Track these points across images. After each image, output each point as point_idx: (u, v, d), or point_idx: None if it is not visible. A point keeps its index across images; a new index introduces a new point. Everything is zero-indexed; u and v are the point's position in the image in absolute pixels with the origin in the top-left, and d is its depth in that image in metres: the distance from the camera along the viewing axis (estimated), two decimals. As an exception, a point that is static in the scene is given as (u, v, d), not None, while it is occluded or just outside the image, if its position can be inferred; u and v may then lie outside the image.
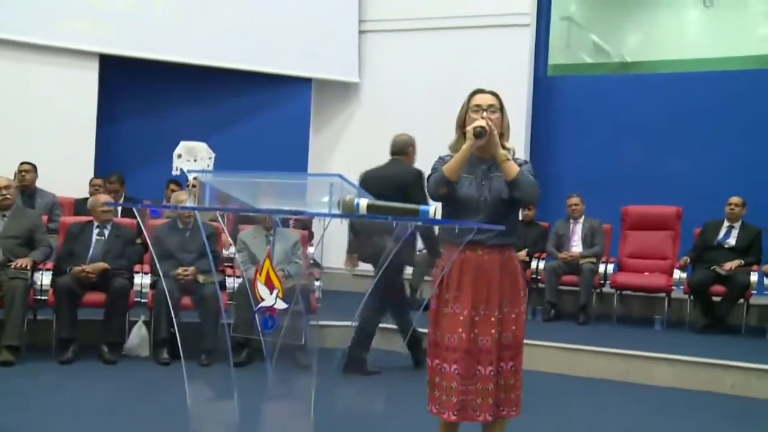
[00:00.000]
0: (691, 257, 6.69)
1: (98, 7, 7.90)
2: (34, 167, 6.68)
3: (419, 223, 1.93)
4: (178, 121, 8.57)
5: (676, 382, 5.10)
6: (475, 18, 8.34)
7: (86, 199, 6.96)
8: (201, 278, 5.23)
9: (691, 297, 6.50)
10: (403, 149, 5.20)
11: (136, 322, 5.25)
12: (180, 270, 5.21)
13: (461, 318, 2.64)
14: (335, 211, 1.83)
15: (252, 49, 8.37)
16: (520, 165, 2.68)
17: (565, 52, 10.18)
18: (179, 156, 3.38)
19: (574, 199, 7.07)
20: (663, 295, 6.76)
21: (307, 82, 8.73)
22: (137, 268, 5.31)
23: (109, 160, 8.08)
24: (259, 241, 5.58)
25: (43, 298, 5.07)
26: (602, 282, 6.94)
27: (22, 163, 6.65)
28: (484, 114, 2.66)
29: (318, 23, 8.73)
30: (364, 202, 1.83)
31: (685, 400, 4.80)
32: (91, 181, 7.44)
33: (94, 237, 5.32)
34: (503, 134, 2.73)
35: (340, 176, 1.87)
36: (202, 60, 8.26)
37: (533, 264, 7.11)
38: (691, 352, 5.30)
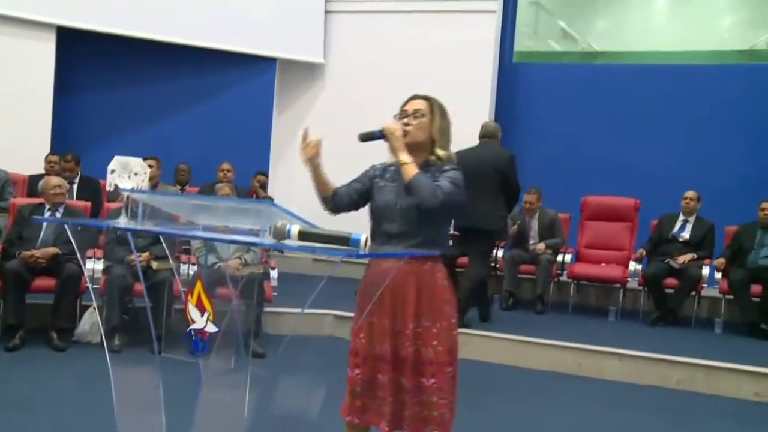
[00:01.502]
0: (646, 249, 6.78)
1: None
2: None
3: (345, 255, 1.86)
4: (138, 98, 8.44)
5: (626, 376, 5.18)
6: (442, 2, 8.29)
7: (42, 176, 6.81)
8: (155, 264, 5.16)
9: (645, 289, 6.60)
10: (494, 132, 5.90)
11: (87, 307, 5.17)
12: (133, 256, 5.13)
13: (386, 328, 2.61)
14: (268, 238, 1.80)
15: (216, 26, 8.23)
16: (444, 171, 2.60)
17: (533, 37, 10.17)
18: (113, 171, 3.29)
19: (531, 197, 7.01)
20: (618, 286, 6.86)
21: (271, 61, 8.61)
22: (89, 253, 5.21)
23: (66, 136, 7.92)
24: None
25: (-8, 283, 4.95)
26: (560, 272, 7.01)
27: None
28: (405, 119, 2.63)
29: (284, 3, 8.62)
30: (295, 229, 1.80)
31: (633, 395, 4.88)
32: (46, 157, 7.27)
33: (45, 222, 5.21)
34: (435, 140, 2.65)
35: (272, 202, 1.84)
36: (165, 36, 8.10)
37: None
38: (642, 345, 5.38)
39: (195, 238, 2.17)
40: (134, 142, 7.93)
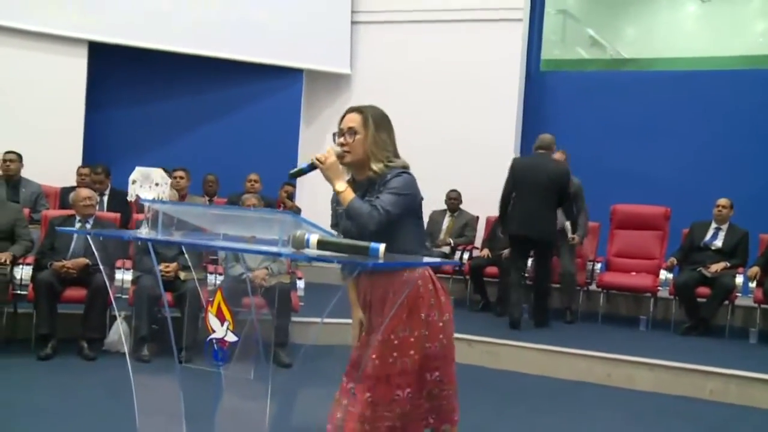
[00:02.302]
0: (677, 258, 6.67)
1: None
2: (20, 156, 6.63)
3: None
4: (168, 111, 8.55)
5: (657, 387, 5.09)
6: (468, 11, 8.28)
7: (73, 188, 6.92)
8: (182, 275, 5.21)
9: (677, 298, 6.49)
10: (550, 144, 6.27)
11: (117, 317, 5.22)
12: (162, 266, 5.18)
13: (363, 341, 2.62)
14: (287, 248, 1.80)
15: (243, 38, 8.31)
16: (386, 183, 2.52)
17: (560, 45, 10.11)
18: (134, 182, 3.31)
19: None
20: (649, 295, 6.76)
21: (298, 72, 8.67)
22: (119, 263, 5.27)
23: (97, 149, 8.04)
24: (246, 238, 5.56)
25: (22, 293, 5.04)
26: (588, 281, 6.94)
27: (6, 152, 6.60)
28: (341, 140, 2.57)
29: (310, 14, 8.66)
30: (314, 238, 1.80)
31: (664, 406, 4.79)
32: (78, 170, 7.39)
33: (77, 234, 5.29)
34: (370, 154, 2.56)
35: (292, 214, 1.84)
36: (193, 49, 8.20)
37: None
38: (673, 355, 5.29)
39: (214, 248, 2.17)
40: (163, 154, 8.03)
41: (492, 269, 7.12)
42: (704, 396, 4.97)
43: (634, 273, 6.90)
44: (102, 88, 8.16)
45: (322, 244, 1.81)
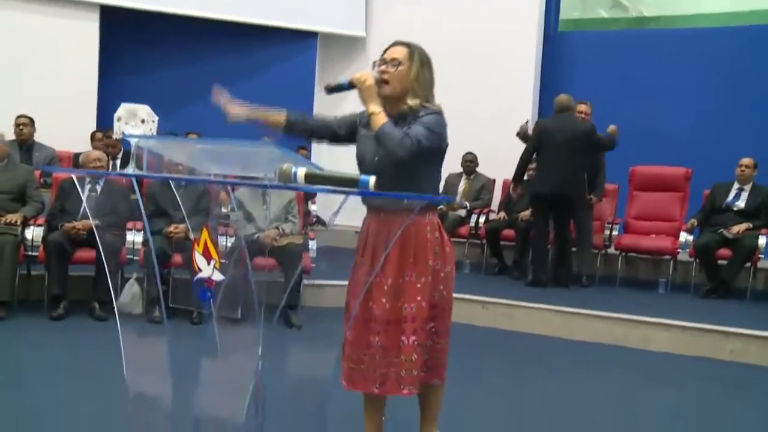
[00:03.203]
0: (698, 220, 6.53)
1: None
2: (32, 120, 6.62)
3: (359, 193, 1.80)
4: (181, 76, 8.47)
5: (673, 347, 5.00)
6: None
7: (88, 153, 6.92)
8: (192, 236, 5.16)
9: (697, 260, 6.36)
10: (569, 104, 6.33)
11: (128, 279, 5.22)
12: (171, 227, 5.15)
13: (361, 283, 2.54)
14: (274, 180, 1.74)
15: (257, 1, 8.19)
16: (419, 117, 2.46)
17: (580, 7, 9.88)
18: (119, 119, 3.28)
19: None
20: (668, 257, 6.64)
21: (312, 36, 8.56)
22: (129, 225, 5.25)
23: (111, 114, 8.00)
24: (256, 199, 5.52)
25: (33, 254, 5.04)
26: (606, 243, 6.82)
27: (18, 116, 6.59)
28: (382, 67, 2.50)
29: (325, -24, 8.53)
30: (301, 172, 1.73)
31: (681, 367, 4.71)
32: (92, 134, 7.38)
33: (87, 192, 5.27)
34: (409, 89, 2.51)
35: (275, 144, 1.77)
36: (206, 12, 8.13)
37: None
38: (693, 317, 5.18)
39: (199, 182, 2.11)
40: (177, 119, 7.98)
41: (508, 232, 7.02)
42: (723, 357, 4.87)
43: (653, 235, 6.77)
44: (115, 53, 8.11)
45: (309, 178, 1.73)
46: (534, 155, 6.40)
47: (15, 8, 7.58)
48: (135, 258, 5.17)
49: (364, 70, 2.48)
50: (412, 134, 2.38)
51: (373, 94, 2.44)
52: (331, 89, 2.49)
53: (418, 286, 2.51)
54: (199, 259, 1.88)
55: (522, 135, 6.71)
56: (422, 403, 2.76)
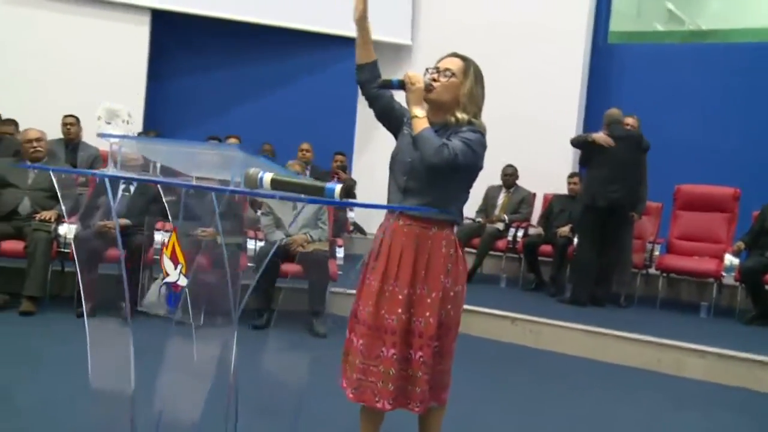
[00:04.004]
0: (746, 242, 6.26)
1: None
2: (78, 120, 6.77)
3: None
4: (227, 79, 8.58)
5: (709, 375, 4.79)
6: (533, -20, 7.97)
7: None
8: (219, 240, 5.17)
9: (743, 284, 6.10)
10: (620, 118, 6.27)
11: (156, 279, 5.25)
12: (200, 230, 5.17)
13: (372, 290, 2.48)
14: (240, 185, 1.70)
15: (303, 7, 8.25)
16: (460, 132, 2.42)
17: (635, 19, 9.67)
18: (99, 118, 3.28)
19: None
20: (712, 280, 6.39)
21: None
22: (159, 225, 5.29)
23: (157, 116, 8.15)
24: (286, 204, 5.51)
25: (65, 251, 5.12)
26: (647, 263, 6.61)
27: (66, 116, 6.75)
28: (434, 75, 2.48)
29: (372, -17, 8.51)
30: (268, 177, 1.69)
31: (714, 396, 4.50)
32: (138, 135, 7.51)
33: (120, 192, 5.34)
34: (459, 102, 2.48)
35: (239, 147, 1.74)
36: (253, 17, 8.20)
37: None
38: (733, 344, 4.95)
39: (170, 184, 2.10)
40: (222, 122, 8.10)
41: (546, 248, 6.87)
42: (762, 388, 4.64)
43: (697, 257, 6.53)
44: (163, 57, 8.25)
45: (276, 183, 1.69)
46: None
47: (67, 11, 7.77)
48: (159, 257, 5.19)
49: (418, 73, 2.47)
50: (451, 146, 2.35)
51: (420, 98, 2.44)
52: (383, 84, 2.51)
53: (429, 300, 2.46)
54: (167, 263, 1.86)
55: (580, 142, 6.42)
56: (420, 425, 2.69)
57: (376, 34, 8.85)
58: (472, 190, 2.57)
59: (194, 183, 2.00)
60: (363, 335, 2.48)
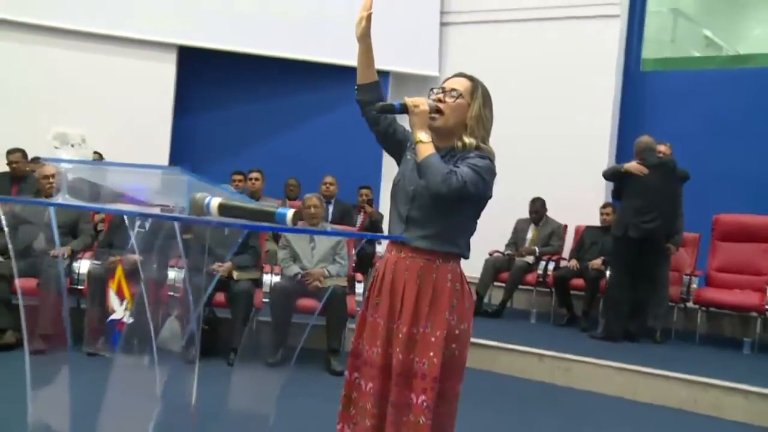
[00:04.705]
0: (790, 274, 5.94)
1: (177, -1, 7.94)
2: (101, 156, 6.78)
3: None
4: (253, 114, 8.57)
5: (751, 417, 4.47)
6: (561, 9, 7.81)
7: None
8: (236, 274, 5.07)
9: (788, 319, 5.77)
10: (652, 146, 5.99)
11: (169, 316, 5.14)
12: (215, 265, 5.07)
13: (379, 329, 2.31)
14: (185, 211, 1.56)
15: (329, 41, 8.19)
16: (468, 158, 2.25)
17: (671, 46, 9.44)
18: (56, 147, 3.20)
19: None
20: (755, 314, 6.04)
21: (384, 75, 8.46)
22: (173, 261, 5.19)
23: (183, 151, 8.15)
24: (303, 237, 5.39)
25: (79, 287, 5.05)
26: (684, 296, 6.30)
27: (94, 153, 6.77)
28: (439, 96, 2.34)
29: (399, 15, 8.44)
30: (215, 202, 1.55)
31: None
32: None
33: (136, 228, 5.27)
34: (466, 125, 2.32)
35: (181, 169, 1.60)
36: (277, 52, 8.18)
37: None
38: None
39: (109, 212, 1.97)
40: (247, 157, 8.05)
41: (578, 281, 6.61)
42: (807, 431, 4.32)
43: (738, 290, 6.20)
44: (189, 92, 8.27)
45: (224, 209, 1.55)
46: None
47: (97, 50, 7.83)
48: (176, 295, 5.10)
49: (420, 98, 2.31)
50: (460, 173, 2.18)
51: (424, 121, 2.26)
52: (383, 108, 2.34)
53: (432, 339, 2.26)
54: (113, 299, 1.72)
55: (612, 174, 6.18)
56: None
57: (404, 66, 8.77)
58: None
59: (137, 210, 1.86)
60: (374, 378, 2.30)
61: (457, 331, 2.30)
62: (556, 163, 7.45)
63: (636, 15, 7.96)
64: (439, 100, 2.33)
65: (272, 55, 8.16)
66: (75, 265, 5.10)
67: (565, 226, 7.27)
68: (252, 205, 1.57)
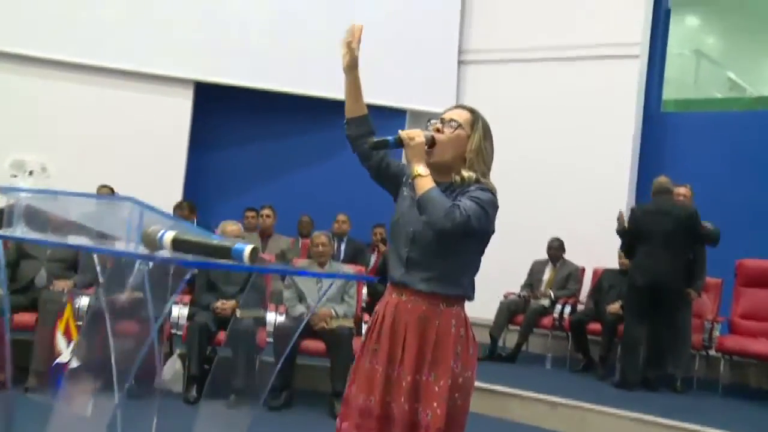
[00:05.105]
0: (818, 323, 5.69)
1: (195, 34, 7.94)
2: (112, 191, 6.73)
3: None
4: (267, 150, 8.54)
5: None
6: (580, 49, 7.72)
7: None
8: (239, 312, 4.95)
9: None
10: (669, 188, 5.81)
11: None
12: (219, 303, 4.96)
13: (377, 376, 2.16)
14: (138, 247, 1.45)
15: (341, 77, 8.15)
16: (468, 192, 2.14)
17: (692, 87, 9.32)
18: (14, 176, 3.09)
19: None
20: (782, 365, 5.80)
21: (401, 113, 8.40)
22: (177, 298, 5.10)
23: (197, 187, 8.10)
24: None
25: (80, 323, 4.94)
26: (707, 344, 6.06)
27: (100, 187, 6.72)
28: (437, 126, 2.25)
29: (417, 53, 8.42)
30: (168, 236, 1.43)
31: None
32: (175, 206, 7.44)
33: (137, 266, 5.18)
34: (465, 159, 2.21)
35: (133, 200, 1.49)
36: (294, 89, 8.15)
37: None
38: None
39: (59, 246, 1.86)
40: (261, 193, 8.00)
41: (595, 326, 6.39)
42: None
43: (763, 338, 5.95)
44: (204, 128, 8.25)
45: (177, 243, 1.43)
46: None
47: (115, 86, 7.82)
48: (178, 333, 4.99)
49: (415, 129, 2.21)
50: (463, 206, 2.06)
51: (420, 154, 2.16)
52: (376, 145, 2.25)
53: (436, 389, 2.13)
54: (60, 341, 1.61)
55: (621, 231, 6.06)
56: None
57: (421, 105, 8.67)
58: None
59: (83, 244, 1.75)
60: (371, 430, 2.17)
61: (460, 380, 2.18)
62: (574, 204, 7.30)
63: (657, 56, 7.84)
64: (437, 130, 2.24)
65: (288, 91, 8.13)
66: (77, 300, 5.01)
67: (583, 269, 7.08)
68: (207, 240, 1.46)
